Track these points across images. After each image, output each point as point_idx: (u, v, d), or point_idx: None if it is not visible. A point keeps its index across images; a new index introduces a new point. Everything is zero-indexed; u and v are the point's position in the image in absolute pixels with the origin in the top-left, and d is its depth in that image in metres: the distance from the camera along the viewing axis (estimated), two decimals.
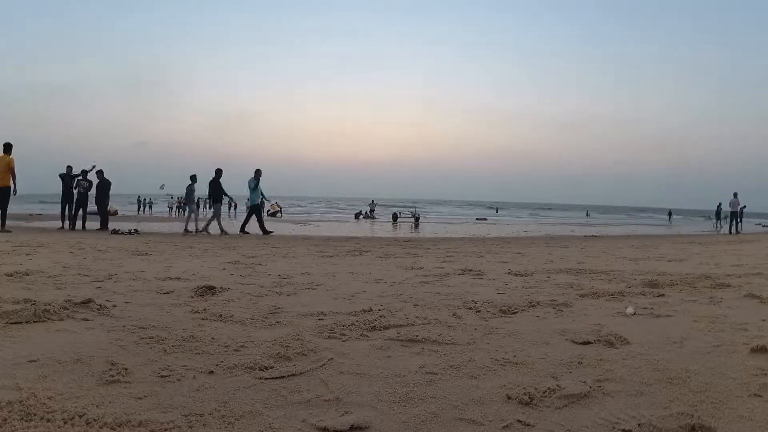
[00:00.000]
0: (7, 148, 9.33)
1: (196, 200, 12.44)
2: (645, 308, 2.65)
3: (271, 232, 11.37)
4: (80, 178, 11.61)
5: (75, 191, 11.49)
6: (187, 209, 11.64)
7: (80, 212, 11.49)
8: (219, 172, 11.35)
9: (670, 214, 38.44)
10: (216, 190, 11.28)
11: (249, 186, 11.34)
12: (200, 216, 13.59)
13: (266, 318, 2.34)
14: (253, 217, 11.49)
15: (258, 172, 11.36)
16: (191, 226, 11.24)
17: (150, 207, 31.36)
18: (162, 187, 33.74)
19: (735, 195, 17.67)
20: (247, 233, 10.97)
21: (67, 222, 11.20)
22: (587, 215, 46.05)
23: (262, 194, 11.80)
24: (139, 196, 32.72)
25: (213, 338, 1.93)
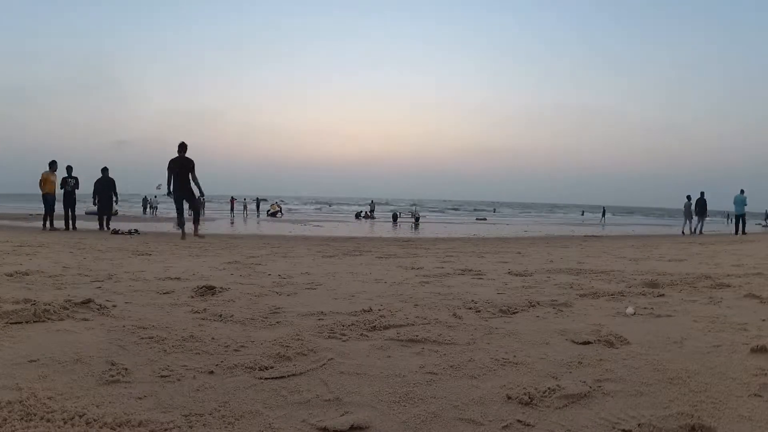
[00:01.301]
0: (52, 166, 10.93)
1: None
2: (645, 308, 2.65)
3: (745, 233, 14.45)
4: (66, 176, 11.26)
5: (62, 190, 11.14)
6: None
7: (69, 212, 11.06)
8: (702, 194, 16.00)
9: (603, 212, 36.07)
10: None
11: (739, 201, 15.69)
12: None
13: (266, 318, 2.34)
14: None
15: (743, 191, 15.06)
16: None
17: (155, 208, 31.30)
18: (158, 187, 33.67)
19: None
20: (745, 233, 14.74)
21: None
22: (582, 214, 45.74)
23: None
24: (145, 197, 32.84)
25: (213, 338, 1.93)
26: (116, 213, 23.55)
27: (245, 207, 31.52)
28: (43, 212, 11.11)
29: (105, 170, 11.79)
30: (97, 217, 11.80)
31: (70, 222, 11.08)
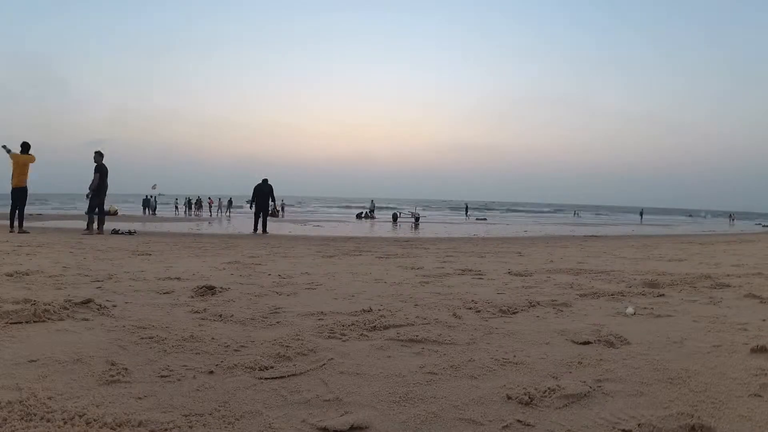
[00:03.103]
0: (26, 147, 9.11)
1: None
2: (645, 308, 2.65)
3: None
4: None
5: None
6: None
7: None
8: None
9: (466, 209, 38.65)
10: None
11: None
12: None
13: (266, 318, 2.34)
14: None
15: None
16: None
17: (153, 208, 31.34)
18: (154, 187, 33.91)
19: None
20: None
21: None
22: (575, 215, 46.91)
23: None
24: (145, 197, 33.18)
25: (213, 338, 1.93)
26: (116, 213, 23.59)
27: (220, 206, 31.84)
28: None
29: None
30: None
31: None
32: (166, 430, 1.16)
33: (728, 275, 4.02)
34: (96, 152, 9.95)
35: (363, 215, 30.72)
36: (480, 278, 3.94)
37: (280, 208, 31.40)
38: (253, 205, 12.94)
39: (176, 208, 33.79)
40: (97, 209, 9.94)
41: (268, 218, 12.99)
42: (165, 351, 1.76)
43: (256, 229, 12.72)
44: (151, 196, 32.12)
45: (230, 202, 33.96)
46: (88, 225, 10.13)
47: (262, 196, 12.73)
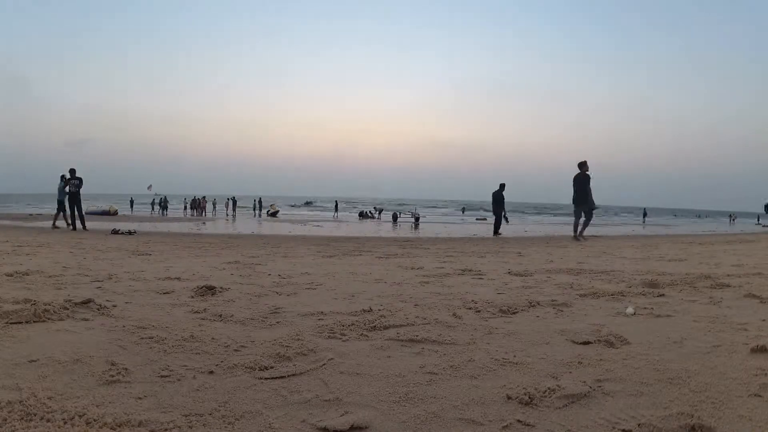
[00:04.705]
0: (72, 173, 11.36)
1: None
2: (645, 308, 2.65)
3: None
4: (70, 177, 11.57)
5: (66, 191, 11.52)
6: None
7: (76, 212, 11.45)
8: None
9: (645, 213, 40.14)
10: None
11: None
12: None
13: (266, 318, 2.34)
14: None
15: None
16: None
17: (165, 208, 31.37)
18: (149, 188, 33.98)
19: None
20: None
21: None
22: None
23: None
24: (154, 198, 33.32)
25: (213, 338, 1.93)
26: (116, 213, 23.63)
27: (227, 206, 31.83)
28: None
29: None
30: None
31: (77, 221, 11.30)
32: (166, 430, 1.17)
33: (728, 275, 4.02)
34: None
35: (368, 214, 31.01)
36: (480, 278, 3.94)
37: (278, 209, 31.44)
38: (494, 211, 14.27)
39: (184, 208, 33.75)
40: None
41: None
42: (165, 351, 1.77)
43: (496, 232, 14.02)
44: (164, 197, 32.14)
45: (234, 201, 33.96)
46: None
47: (496, 202, 14.00)
